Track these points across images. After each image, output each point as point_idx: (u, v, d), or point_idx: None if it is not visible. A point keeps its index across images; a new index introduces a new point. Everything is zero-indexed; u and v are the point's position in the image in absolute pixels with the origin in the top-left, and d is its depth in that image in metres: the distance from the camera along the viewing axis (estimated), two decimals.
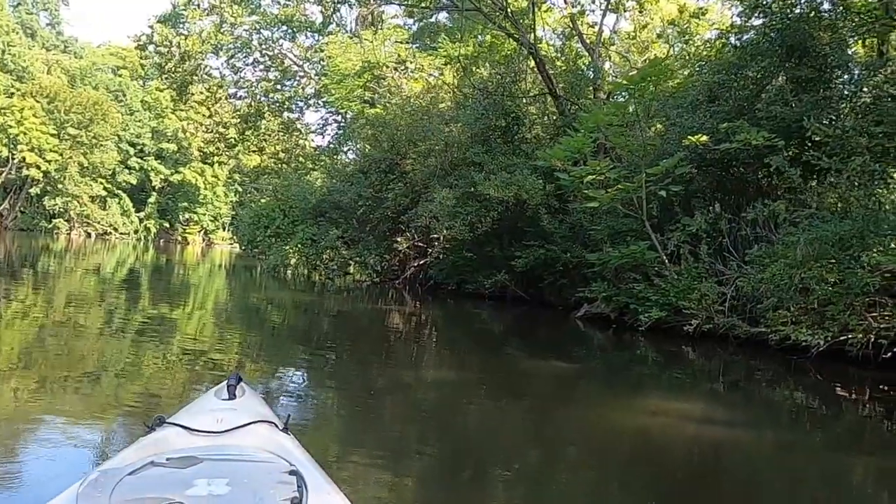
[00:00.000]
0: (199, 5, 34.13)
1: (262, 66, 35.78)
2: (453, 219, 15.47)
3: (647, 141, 12.22)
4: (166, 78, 38.09)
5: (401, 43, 25.57)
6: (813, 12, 12.52)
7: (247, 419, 2.51)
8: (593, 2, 21.65)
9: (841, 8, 13.18)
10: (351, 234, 20.15)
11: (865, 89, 10.68)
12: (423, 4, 22.03)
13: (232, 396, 2.83)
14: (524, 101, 18.36)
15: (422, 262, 18.24)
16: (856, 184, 8.90)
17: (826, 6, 13.13)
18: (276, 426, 2.60)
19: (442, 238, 15.97)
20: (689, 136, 11.27)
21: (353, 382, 7.58)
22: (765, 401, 8.21)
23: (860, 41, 13.96)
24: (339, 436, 5.37)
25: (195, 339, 9.56)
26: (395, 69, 23.45)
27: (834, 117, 10.18)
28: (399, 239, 17.90)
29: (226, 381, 3.01)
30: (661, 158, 11.65)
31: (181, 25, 35.51)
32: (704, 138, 10.93)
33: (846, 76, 11.52)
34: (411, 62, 23.86)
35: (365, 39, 25.00)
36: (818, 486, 5.09)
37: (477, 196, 15.17)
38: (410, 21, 30.13)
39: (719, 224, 11.30)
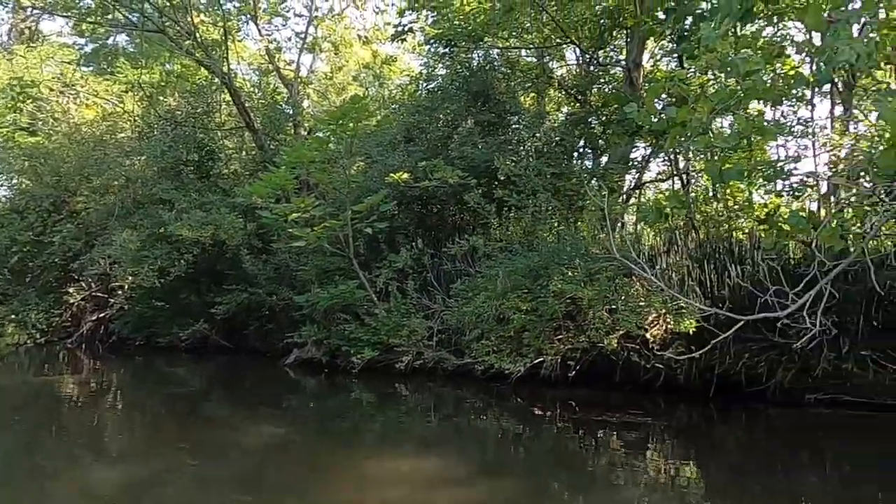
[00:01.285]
0: None
1: None
2: (138, 264, 13.48)
3: (350, 178, 12.08)
4: None
5: (69, 63, 22.17)
6: (489, 65, 13.84)
7: None
8: (289, 39, 21.41)
9: (509, 65, 14.86)
10: (2, 288, 16.45)
11: (538, 135, 11.99)
12: (90, 20, 19.34)
13: None
14: (219, 133, 17.08)
15: (101, 315, 15.61)
16: (539, 219, 9.81)
17: (499, 62, 14.67)
18: None
19: (126, 286, 13.79)
20: (391, 174, 11.39)
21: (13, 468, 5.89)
22: (475, 430, 8.44)
23: (526, 94, 15.89)
24: None
25: None
26: (61, 93, 20.16)
27: (515, 158, 11.19)
28: (70, 290, 15.11)
29: None
30: (365, 195, 11.58)
31: None
32: (405, 176, 11.14)
33: (522, 122, 12.82)
34: (82, 86, 20.77)
35: (18, 55, 21.11)
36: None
37: (167, 237, 13.46)
38: (82, 41, 26.50)
39: (423, 259, 11.57)
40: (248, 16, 19.96)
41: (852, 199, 6.21)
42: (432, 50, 16.39)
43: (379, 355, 10.75)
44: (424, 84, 15.62)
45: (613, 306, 8.51)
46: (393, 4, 22.39)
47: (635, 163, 12.54)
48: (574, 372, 9.06)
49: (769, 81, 7.24)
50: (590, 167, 12.60)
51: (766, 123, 7.09)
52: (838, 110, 11.57)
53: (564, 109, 16.35)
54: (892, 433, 7.63)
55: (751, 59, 7.01)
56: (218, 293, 13.75)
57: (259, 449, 7.07)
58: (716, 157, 7.21)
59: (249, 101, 17.87)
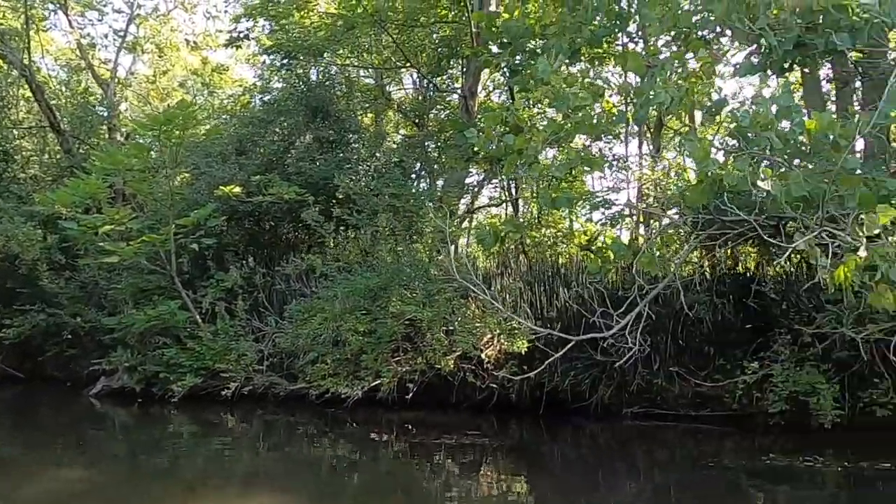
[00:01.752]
0: None
1: None
2: None
3: (174, 189, 11.16)
4: None
5: None
6: (328, 81, 13.61)
7: None
8: (106, 37, 19.55)
9: (348, 83, 14.77)
10: None
11: (378, 154, 11.95)
12: None
13: None
14: (15, 132, 15.06)
15: None
16: (379, 239, 9.70)
17: (338, 79, 14.50)
18: None
19: None
20: (221, 187, 10.70)
21: None
22: (308, 458, 8.05)
23: (365, 113, 15.86)
24: None
25: None
26: None
27: (355, 177, 11.03)
28: None
29: None
30: (191, 209, 10.74)
31: None
32: (237, 190, 10.52)
33: (362, 141, 12.71)
34: None
35: None
36: None
37: None
38: None
39: (255, 279, 10.95)
40: (57, 5, 17.91)
41: (668, 229, 6.82)
42: (268, 61, 15.83)
43: (203, 382, 9.93)
44: (259, 96, 15.00)
45: (451, 327, 8.59)
46: (226, 11, 21.38)
47: (470, 187, 12.92)
48: (412, 394, 8.99)
49: (595, 117, 7.78)
50: (426, 189, 12.77)
51: (592, 156, 7.58)
52: (646, 148, 12.86)
53: (402, 132, 16.52)
54: (689, 439, 8.42)
55: (580, 95, 7.50)
56: (8, 314, 12.00)
57: (56, 497, 6.14)
58: (549, 185, 7.57)
59: (55, 98, 16.00)
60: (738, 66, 7.60)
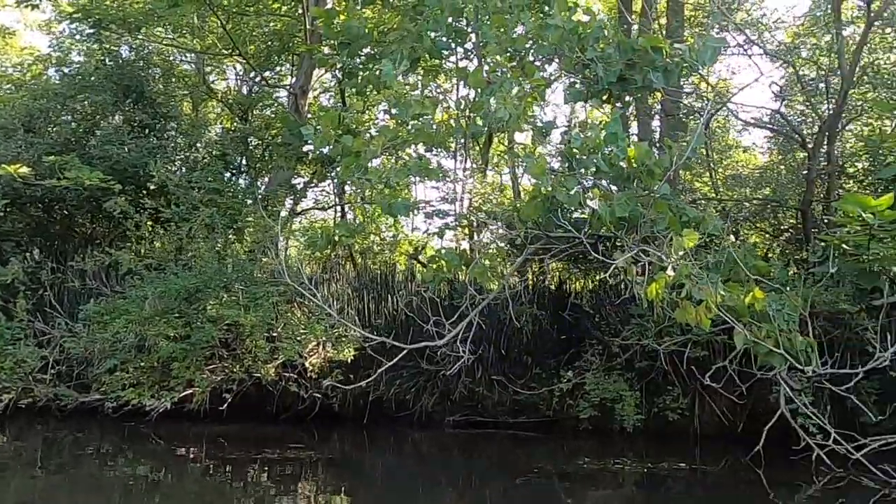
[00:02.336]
0: None
1: None
2: None
3: None
4: None
5: None
6: (142, 60, 12.36)
7: None
8: None
9: (167, 65, 13.57)
10: None
11: (199, 145, 11.03)
12: None
13: None
14: None
15: None
16: (198, 236, 8.89)
17: (155, 60, 13.24)
18: None
19: None
20: (4, 166, 9.18)
21: None
22: (98, 481, 7.08)
23: (184, 100, 14.64)
24: None
25: None
26: None
27: (172, 166, 10.05)
28: None
29: None
30: None
31: None
32: (25, 170, 9.08)
33: (180, 129, 11.66)
34: None
35: None
36: None
37: None
38: None
39: (41, 274, 9.53)
40: None
41: (499, 242, 7.01)
42: (68, 30, 14.01)
43: None
44: (56, 68, 13.18)
45: (274, 333, 8.11)
46: None
47: (297, 188, 12.39)
48: (227, 405, 8.33)
49: (434, 127, 7.83)
50: (248, 187, 12.03)
51: (429, 166, 7.61)
52: (469, 163, 13.28)
53: (223, 124, 15.48)
54: (507, 445, 8.73)
55: (422, 103, 7.50)
56: None
57: None
58: (385, 191, 7.46)
59: None
60: (566, 92, 8.08)
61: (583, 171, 6.51)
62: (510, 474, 7.50)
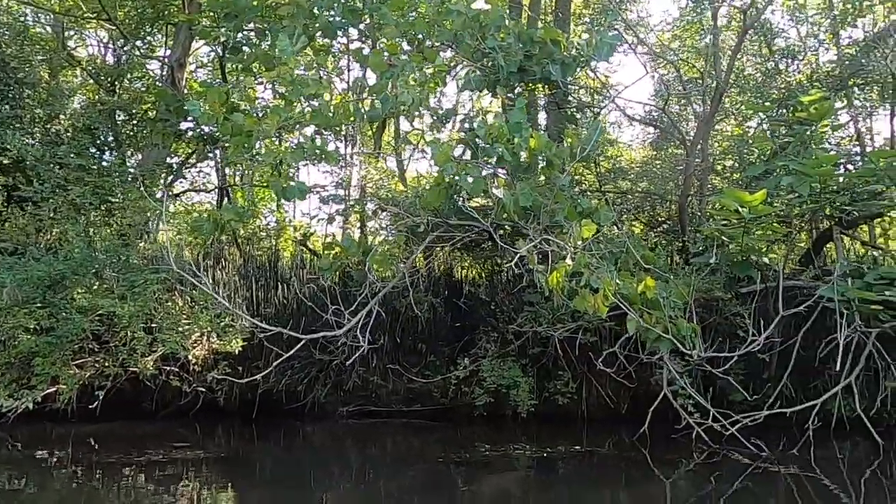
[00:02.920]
0: None
1: None
2: None
3: None
4: None
5: None
6: None
7: None
8: None
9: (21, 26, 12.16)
10: None
11: (62, 117, 9.94)
12: None
13: None
14: None
15: None
16: (64, 217, 7.99)
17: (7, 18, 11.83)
18: None
19: None
20: None
21: None
22: None
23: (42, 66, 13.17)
24: None
25: None
26: None
27: (30, 139, 8.98)
28: None
29: None
30: None
31: None
32: None
33: (39, 98, 10.45)
34: None
35: None
36: None
37: None
38: None
39: None
40: None
41: (398, 229, 6.88)
42: None
43: None
44: None
45: (153, 324, 7.50)
46: None
47: (175, 168, 11.51)
48: (98, 403, 7.62)
49: (331, 108, 7.53)
50: (120, 165, 11.02)
51: (326, 149, 7.32)
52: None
53: (88, 96, 14.10)
54: (401, 435, 8.66)
55: (320, 83, 7.19)
56: None
57: None
58: (277, 174, 7.08)
59: None
60: (464, 80, 8.05)
61: (485, 159, 6.50)
62: (404, 462, 7.44)
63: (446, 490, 6.42)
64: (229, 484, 6.83)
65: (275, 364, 6.47)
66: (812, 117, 7.53)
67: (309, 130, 8.62)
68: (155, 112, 11.22)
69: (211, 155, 10.64)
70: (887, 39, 9.33)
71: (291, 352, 6.41)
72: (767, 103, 8.25)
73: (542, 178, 6.59)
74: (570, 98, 9.25)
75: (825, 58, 10.24)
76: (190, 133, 11.05)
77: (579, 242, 6.10)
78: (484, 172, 6.58)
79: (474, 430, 8.48)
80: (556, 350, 8.42)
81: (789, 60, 9.85)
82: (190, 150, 11.62)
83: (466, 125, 7.16)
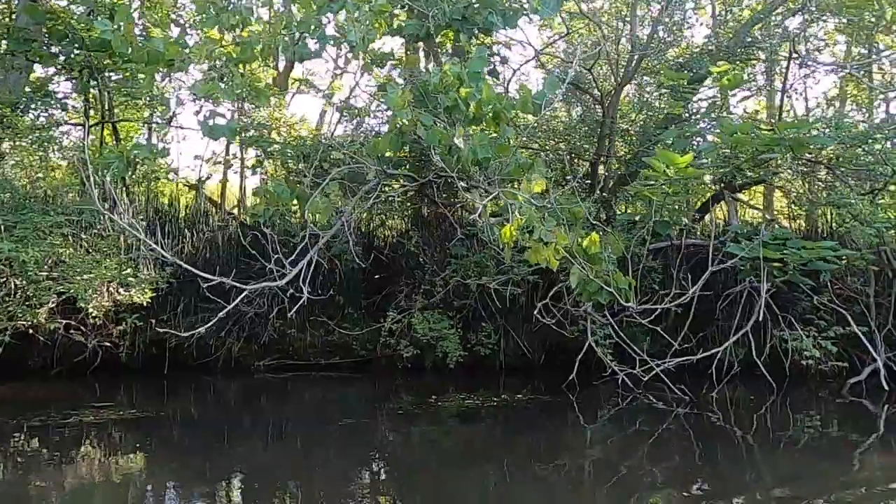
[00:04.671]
0: None
1: None
2: None
3: None
4: None
5: None
6: None
7: None
8: None
9: None
10: None
11: None
12: None
13: None
14: None
15: None
16: None
17: None
18: None
19: None
20: None
21: None
22: None
23: None
24: None
25: None
26: None
27: None
28: None
29: None
30: None
31: None
32: None
33: None
34: None
35: None
36: None
37: None
38: None
39: None
40: None
41: (337, 176, 6.58)
42: None
43: None
44: None
45: (55, 272, 6.65)
46: None
47: (52, 96, 9.99)
48: None
49: (259, 42, 6.95)
50: None
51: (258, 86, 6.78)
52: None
53: None
54: (319, 388, 8.45)
55: (251, 13, 6.61)
56: None
57: None
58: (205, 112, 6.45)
59: None
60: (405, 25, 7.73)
61: (436, 108, 6.33)
62: (323, 417, 7.22)
63: (374, 443, 6.29)
64: (137, 445, 6.29)
65: (219, 315, 5.90)
66: (724, 87, 8.06)
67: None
68: (19, 33, 9.69)
69: (92, 84, 9.36)
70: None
71: (233, 304, 5.92)
72: (676, 71, 8.68)
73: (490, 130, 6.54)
74: (496, 52, 9.21)
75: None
76: (63, 58, 9.69)
77: (527, 196, 6.16)
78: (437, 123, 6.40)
79: (395, 382, 8.45)
80: (477, 303, 8.56)
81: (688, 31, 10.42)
82: (65, 76, 10.22)
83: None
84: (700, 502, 4.67)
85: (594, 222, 7.62)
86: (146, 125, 9.89)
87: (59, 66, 10.04)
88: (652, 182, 7.40)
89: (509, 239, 6.01)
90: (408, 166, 7.42)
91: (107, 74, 9.60)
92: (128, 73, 8.48)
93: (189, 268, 5.43)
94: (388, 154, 6.37)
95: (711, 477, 5.20)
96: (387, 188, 7.12)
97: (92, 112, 10.26)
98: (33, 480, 5.01)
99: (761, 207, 10.39)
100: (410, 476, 5.36)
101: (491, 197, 5.82)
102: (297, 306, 6.01)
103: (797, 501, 4.64)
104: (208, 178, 11.01)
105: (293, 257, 6.22)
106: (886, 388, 7.31)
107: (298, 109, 10.66)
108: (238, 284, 5.74)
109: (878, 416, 6.99)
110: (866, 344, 7.56)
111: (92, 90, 9.90)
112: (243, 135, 7.54)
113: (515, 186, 6.31)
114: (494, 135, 6.43)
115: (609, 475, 5.31)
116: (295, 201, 6.80)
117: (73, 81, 9.98)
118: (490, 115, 6.57)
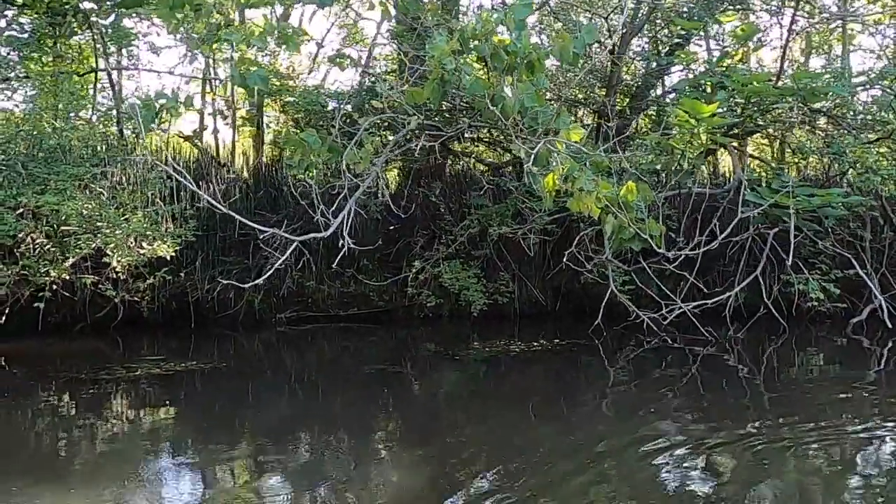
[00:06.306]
0: None
1: None
2: None
3: None
4: None
5: None
6: None
7: None
8: None
9: None
10: None
11: None
12: None
13: None
14: None
15: None
16: None
17: None
18: None
19: None
20: None
21: None
22: None
23: None
24: None
25: None
26: None
27: None
28: None
29: None
30: None
31: None
32: None
33: None
34: None
35: None
36: None
37: None
38: None
39: None
40: None
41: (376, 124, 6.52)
42: None
43: None
44: None
45: (84, 226, 6.45)
46: None
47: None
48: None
49: None
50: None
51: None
52: None
53: None
54: (337, 336, 8.47)
55: None
56: None
57: None
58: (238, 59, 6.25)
59: None
60: None
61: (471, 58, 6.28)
62: (345, 367, 7.29)
63: (399, 390, 6.38)
64: (165, 399, 6.24)
65: (273, 269, 5.80)
66: (738, 38, 8.19)
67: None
68: None
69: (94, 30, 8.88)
70: None
71: (282, 259, 5.85)
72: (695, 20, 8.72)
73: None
74: None
75: None
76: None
77: (565, 145, 6.23)
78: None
79: (415, 331, 8.53)
80: (493, 253, 8.67)
81: None
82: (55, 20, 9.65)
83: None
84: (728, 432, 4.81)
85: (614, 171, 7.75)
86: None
87: (44, 11, 9.51)
88: (671, 132, 7.54)
89: (551, 188, 6.09)
90: (436, 117, 7.37)
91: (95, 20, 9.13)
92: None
93: (246, 221, 5.37)
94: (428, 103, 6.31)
95: (733, 409, 5.39)
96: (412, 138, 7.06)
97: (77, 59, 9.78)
98: (67, 435, 4.99)
99: (759, 158, 10.67)
100: (438, 420, 5.46)
101: (541, 144, 5.85)
102: (339, 257, 5.91)
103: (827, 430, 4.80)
104: (204, 129, 10.69)
105: (333, 208, 6.18)
106: (889, 325, 7.73)
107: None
108: (289, 236, 5.70)
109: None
110: (869, 284, 7.95)
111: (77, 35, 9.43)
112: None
113: (551, 136, 6.36)
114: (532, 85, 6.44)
115: (637, 410, 5.44)
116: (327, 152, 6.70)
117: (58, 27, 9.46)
118: (524, 64, 6.56)
